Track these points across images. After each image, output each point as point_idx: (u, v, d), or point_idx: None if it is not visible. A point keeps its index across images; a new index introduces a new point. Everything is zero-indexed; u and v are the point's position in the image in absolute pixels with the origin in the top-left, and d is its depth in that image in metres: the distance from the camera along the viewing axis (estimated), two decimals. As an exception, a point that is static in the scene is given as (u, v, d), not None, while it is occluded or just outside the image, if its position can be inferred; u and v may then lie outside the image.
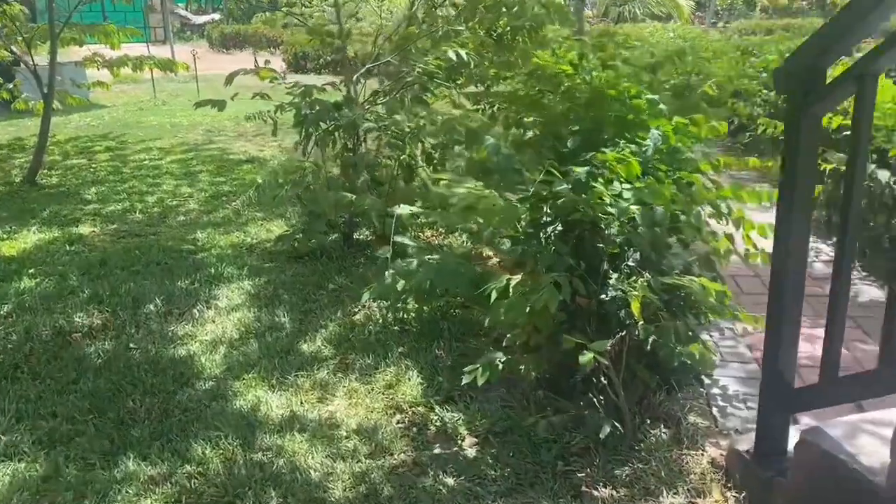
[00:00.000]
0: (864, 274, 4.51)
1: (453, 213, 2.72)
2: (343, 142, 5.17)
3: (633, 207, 2.49)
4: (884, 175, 4.45)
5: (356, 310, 4.15)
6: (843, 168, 4.97)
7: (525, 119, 5.09)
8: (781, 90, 2.35)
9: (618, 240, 2.65)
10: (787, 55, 2.33)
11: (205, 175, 7.49)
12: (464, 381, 2.72)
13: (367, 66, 5.39)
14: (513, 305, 2.58)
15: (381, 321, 3.97)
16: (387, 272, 4.00)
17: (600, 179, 2.68)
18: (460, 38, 5.08)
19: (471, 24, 5.35)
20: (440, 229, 5.58)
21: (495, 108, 5.31)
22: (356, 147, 5.23)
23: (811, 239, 2.67)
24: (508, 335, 2.88)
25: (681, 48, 4.60)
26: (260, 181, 5.21)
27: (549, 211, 2.69)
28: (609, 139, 3.24)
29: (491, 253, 5.24)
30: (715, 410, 3.05)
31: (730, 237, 3.11)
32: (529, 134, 5.08)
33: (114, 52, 7.92)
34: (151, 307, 4.12)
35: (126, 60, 7.62)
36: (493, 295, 2.70)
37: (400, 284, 3.67)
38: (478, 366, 2.70)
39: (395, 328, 3.89)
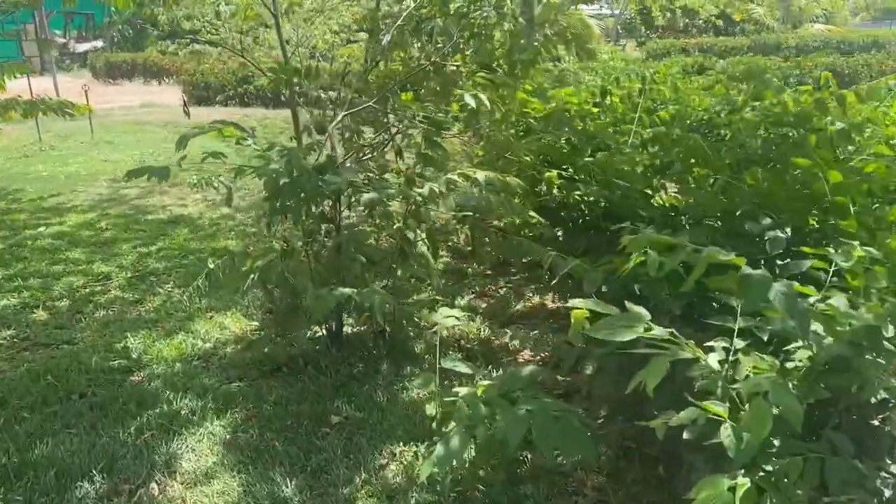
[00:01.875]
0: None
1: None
2: (319, 210, 3.99)
3: None
4: None
5: (383, 461, 2.99)
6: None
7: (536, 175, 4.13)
8: None
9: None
10: None
11: (122, 244, 6.01)
12: None
13: (343, 115, 4.20)
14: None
15: (425, 483, 2.82)
16: (433, 409, 2.86)
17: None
18: (471, 78, 4.01)
19: (458, 57, 4.31)
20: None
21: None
22: (335, 217, 4.06)
23: None
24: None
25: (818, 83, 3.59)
26: (212, 265, 3.93)
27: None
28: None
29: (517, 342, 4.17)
30: None
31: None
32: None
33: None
34: (86, 486, 2.79)
35: (15, 104, 6.10)
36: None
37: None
38: None
39: (452, 495, 2.75)
